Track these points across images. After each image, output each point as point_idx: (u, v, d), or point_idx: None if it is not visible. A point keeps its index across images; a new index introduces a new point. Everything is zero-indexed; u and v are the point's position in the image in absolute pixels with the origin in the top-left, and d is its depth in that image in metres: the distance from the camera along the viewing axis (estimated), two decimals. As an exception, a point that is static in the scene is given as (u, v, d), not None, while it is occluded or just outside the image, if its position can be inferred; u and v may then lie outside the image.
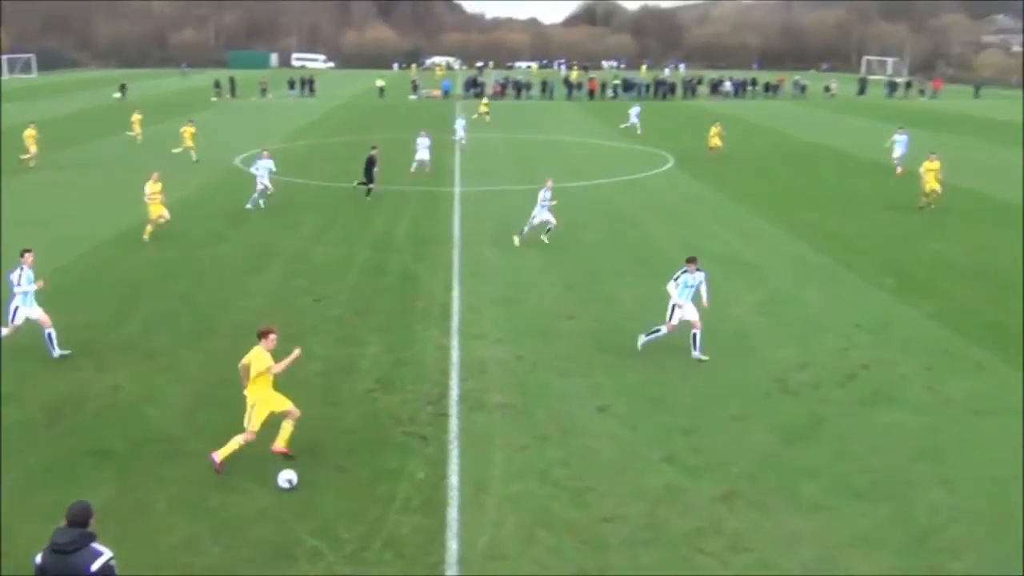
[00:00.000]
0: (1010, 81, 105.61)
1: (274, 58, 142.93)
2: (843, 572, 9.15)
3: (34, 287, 14.47)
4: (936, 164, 27.85)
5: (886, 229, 25.41)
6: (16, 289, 14.26)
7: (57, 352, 14.59)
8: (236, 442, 11.01)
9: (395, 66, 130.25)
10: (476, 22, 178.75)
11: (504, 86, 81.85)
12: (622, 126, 50.76)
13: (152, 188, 22.93)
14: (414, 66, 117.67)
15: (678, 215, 27.46)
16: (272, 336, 11.06)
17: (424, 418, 12.64)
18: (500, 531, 9.82)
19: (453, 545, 9.54)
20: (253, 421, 11.03)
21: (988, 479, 11.04)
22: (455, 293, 18.81)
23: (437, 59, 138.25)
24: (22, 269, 14.35)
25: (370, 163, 29.29)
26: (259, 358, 10.92)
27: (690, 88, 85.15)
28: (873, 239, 24.15)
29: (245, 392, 11.11)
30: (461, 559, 9.30)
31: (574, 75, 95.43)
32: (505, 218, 26.40)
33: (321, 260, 21.43)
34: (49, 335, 14.56)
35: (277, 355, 11.04)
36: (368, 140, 45.92)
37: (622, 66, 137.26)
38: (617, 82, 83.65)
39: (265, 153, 28.22)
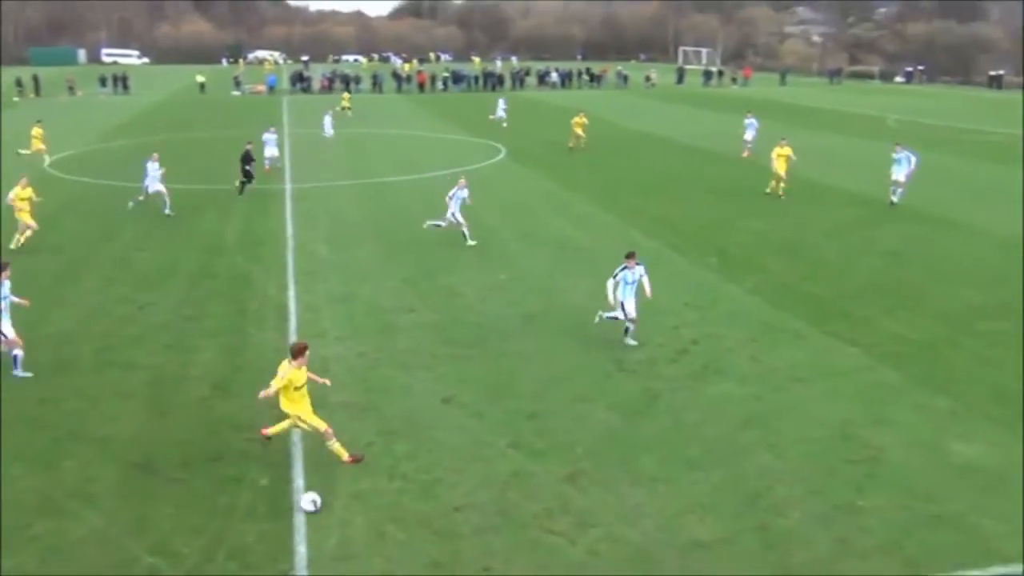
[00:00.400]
0: (811, 68, 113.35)
1: (82, 54, 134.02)
2: (683, 538, 9.58)
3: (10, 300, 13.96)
4: (787, 150, 28.83)
5: (708, 211, 26.72)
6: None
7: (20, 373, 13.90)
8: (335, 446, 11.03)
9: (224, 61, 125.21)
10: (300, 15, 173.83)
11: (331, 80, 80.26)
12: (491, 118, 50.83)
13: (21, 194, 21.62)
14: (241, 61, 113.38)
15: (512, 205, 27.83)
16: (305, 354, 11.01)
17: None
18: (349, 530, 9.68)
19: (301, 549, 9.33)
20: (315, 423, 11.00)
21: (809, 440, 11.84)
22: (291, 293, 18.34)
23: (262, 53, 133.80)
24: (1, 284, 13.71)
25: (246, 158, 28.34)
26: (295, 375, 10.87)
27: (518, 79, 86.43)
28: (697, 221, 25.35)
29: (286, 409, 11.00)
30: (310, 562, 9.12)
31: (407, 68, 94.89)
32: (338, 214, 25.98)
33: (144, 266, 20.36)
34: (15, 356, 13.92)
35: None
36: (190, 138, 44.10)
37: (448, 58, 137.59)
38: (447, 74, 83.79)
39: (155, 155, 25.92)
